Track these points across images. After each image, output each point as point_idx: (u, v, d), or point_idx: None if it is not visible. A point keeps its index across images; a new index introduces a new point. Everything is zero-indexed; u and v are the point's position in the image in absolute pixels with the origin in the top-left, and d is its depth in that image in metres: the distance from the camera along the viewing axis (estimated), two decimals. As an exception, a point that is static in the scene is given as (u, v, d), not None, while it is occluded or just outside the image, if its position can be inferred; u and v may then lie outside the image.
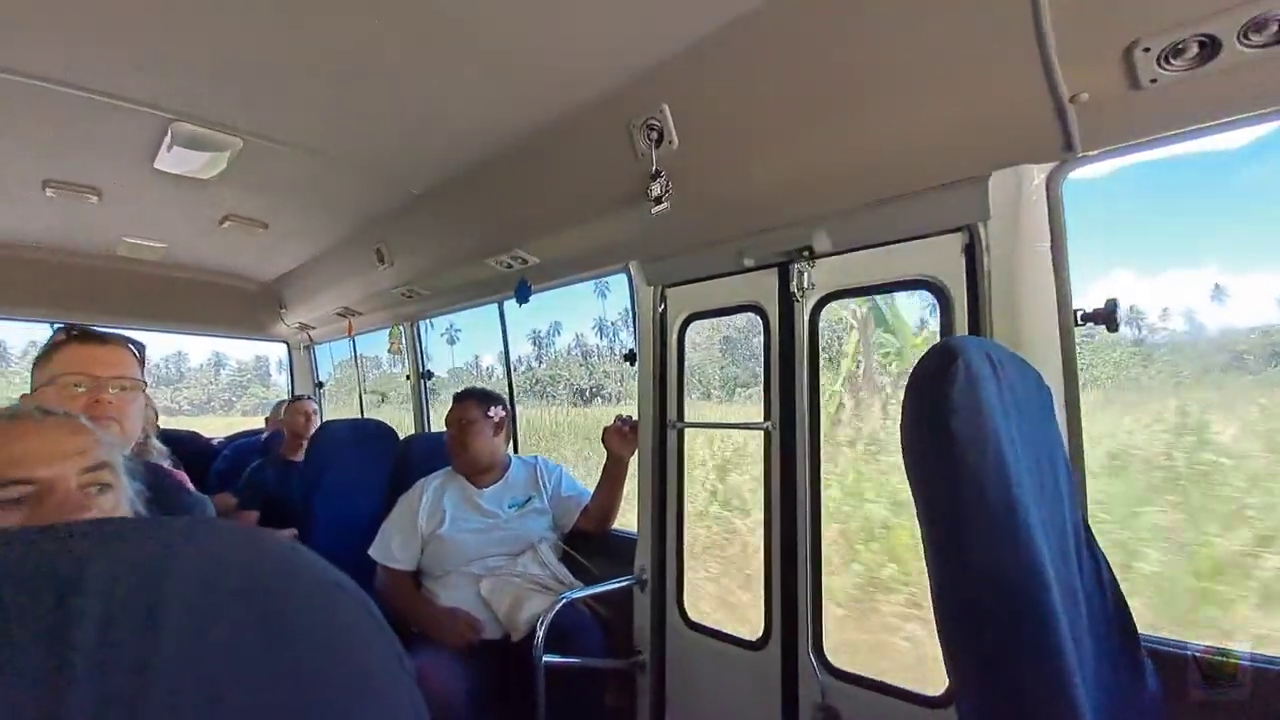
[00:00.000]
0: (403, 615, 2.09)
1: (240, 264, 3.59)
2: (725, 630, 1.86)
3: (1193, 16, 0.92)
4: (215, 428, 5.39)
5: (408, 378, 3.51)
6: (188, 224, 2.89)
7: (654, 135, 1.49)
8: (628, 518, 2.25)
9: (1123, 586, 1.10)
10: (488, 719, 1.84)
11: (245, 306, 4.05)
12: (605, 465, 2.22)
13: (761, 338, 1.79)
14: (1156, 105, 1.07)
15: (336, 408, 5.02)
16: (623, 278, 2.18)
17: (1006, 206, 1.28)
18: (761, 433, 1.76)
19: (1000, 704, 0.74)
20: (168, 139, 1.94)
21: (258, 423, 4.76)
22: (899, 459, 0.82)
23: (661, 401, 2.02)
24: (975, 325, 1.34)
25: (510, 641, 1.94)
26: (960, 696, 0.77)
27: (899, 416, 0.82)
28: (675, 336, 2.00)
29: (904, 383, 0.83)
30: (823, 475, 1.66)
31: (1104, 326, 1.25)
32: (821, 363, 1.70)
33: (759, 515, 1.79)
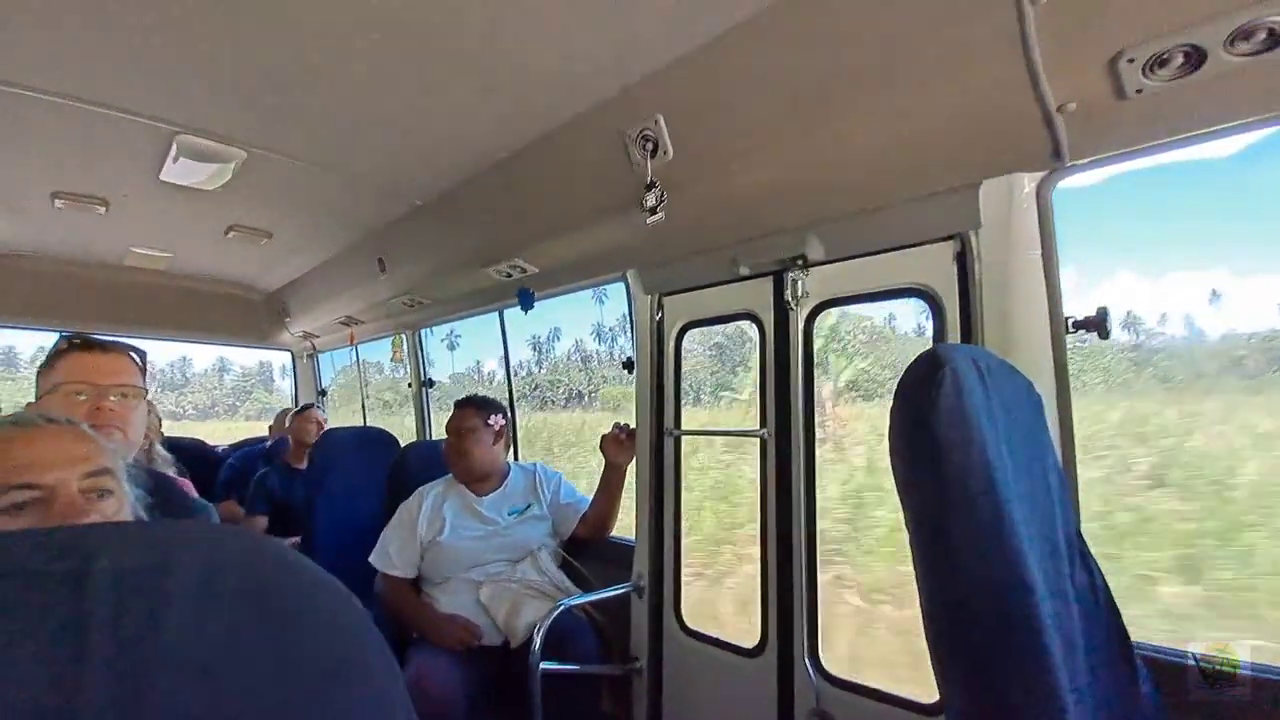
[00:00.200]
0: (402, 621, 2.10)
1: (245, 274, 3.63)
2: (722, 637, 1.86)
3: (1176, 27, 0.93)
4: (219, 433, 5.42)
5: (410, 385, 3.53)
6: (193, 234, 2.93)
7: (649, 146, 1.51)
8: (627, 519, 2.26)
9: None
10: (485, 725, 1.85)
11: (250, 316, 4.08)
12: (603, 473, 2.23)
13: (756, 345, 1.80)
14: (1143, 114, 1.08)
15: (338, 415, 5.04)
16: (620, 286, 2.20)
17: (997, 215, 1.29)
18: (757, 440, 1.77)
19: (987, 708, 0.75)
20: (173, 151, 1.97)
21: (260, 427, 4.79)
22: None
23: (659, 409, 2.03)
24: (967, 333, 1.35)
25: (509, 647, 1.95)
26: (948, 702, 0.77)
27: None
28: (672, 344, 2.02)
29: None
30: (818, 482, 1.66)
31: (1095, 334, 1.26)
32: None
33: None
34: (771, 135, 1.40)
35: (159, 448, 2.04)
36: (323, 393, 4.57)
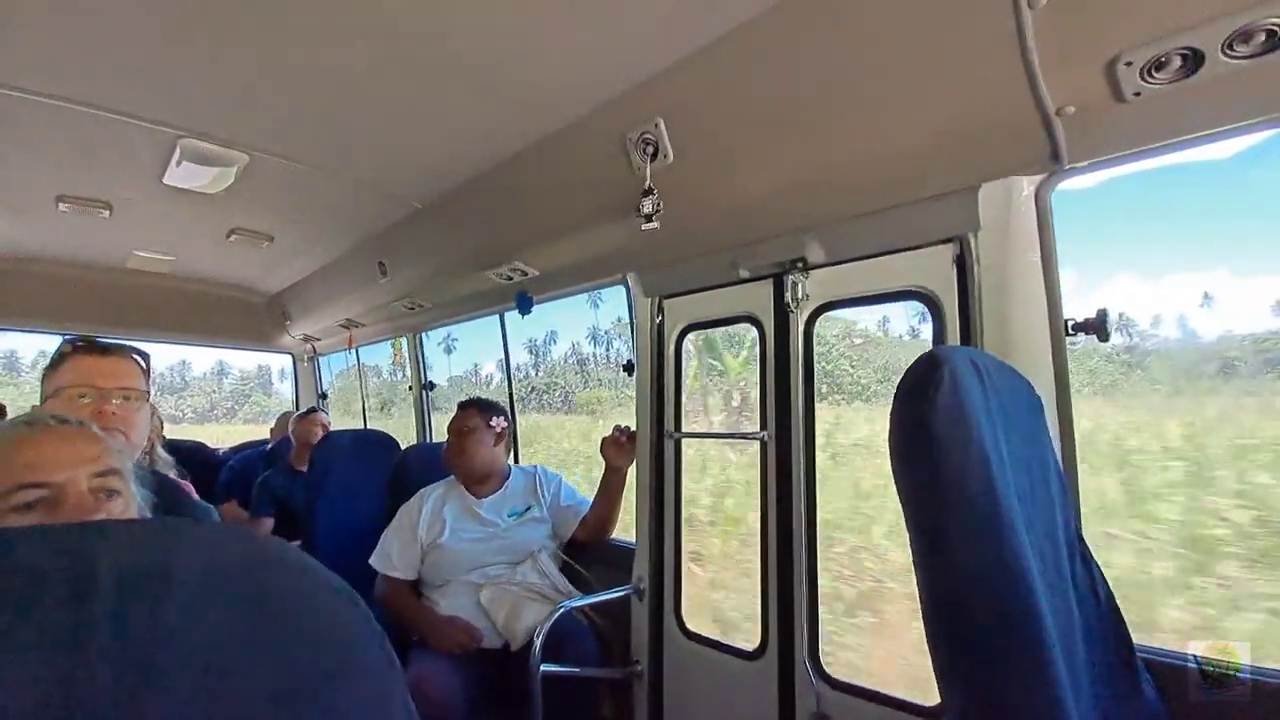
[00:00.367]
0: (402, 623, 2.10)
1: (246, 277, 3.64)
2: (722, 640, 1.86)
3: (1174, 29, 0.93)
4: (218, 436, 5.43)
5: (410, 389, 3.54)
6: (195, 238, 2.94)
7: (649, 150, 1.51)
8: (627, 519, 2.26)
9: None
10: (485, 728, 1.84)
11: (251, 318, 4.09)
12: (603, 476, 2.23)
13: (757, 348, 1.80)
14: (1142, 117, 1.08)
15: (337, 418, 5.06)
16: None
17: (996, 218, 1.29)
18: (757, 443, 1.77)
19: (987, 710, 0.75)
20: (176, 155, 1.98)
21: (258, 431, 4.80)
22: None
23: (659, 411, 2.03)
24: (966, 335, 1.35)
25: (509, 650, 1.95)
26: (947, 704, 0.77)
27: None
28: (673, 347, 2.02)
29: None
30: (818, 484, 1.66)
31: (1095, 336, 1.26)
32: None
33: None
34: (771, 138, 1.40)
35: (160, 450, 2.04)
36: (323, 395, 4.58)
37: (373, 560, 2.19)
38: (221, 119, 1.81)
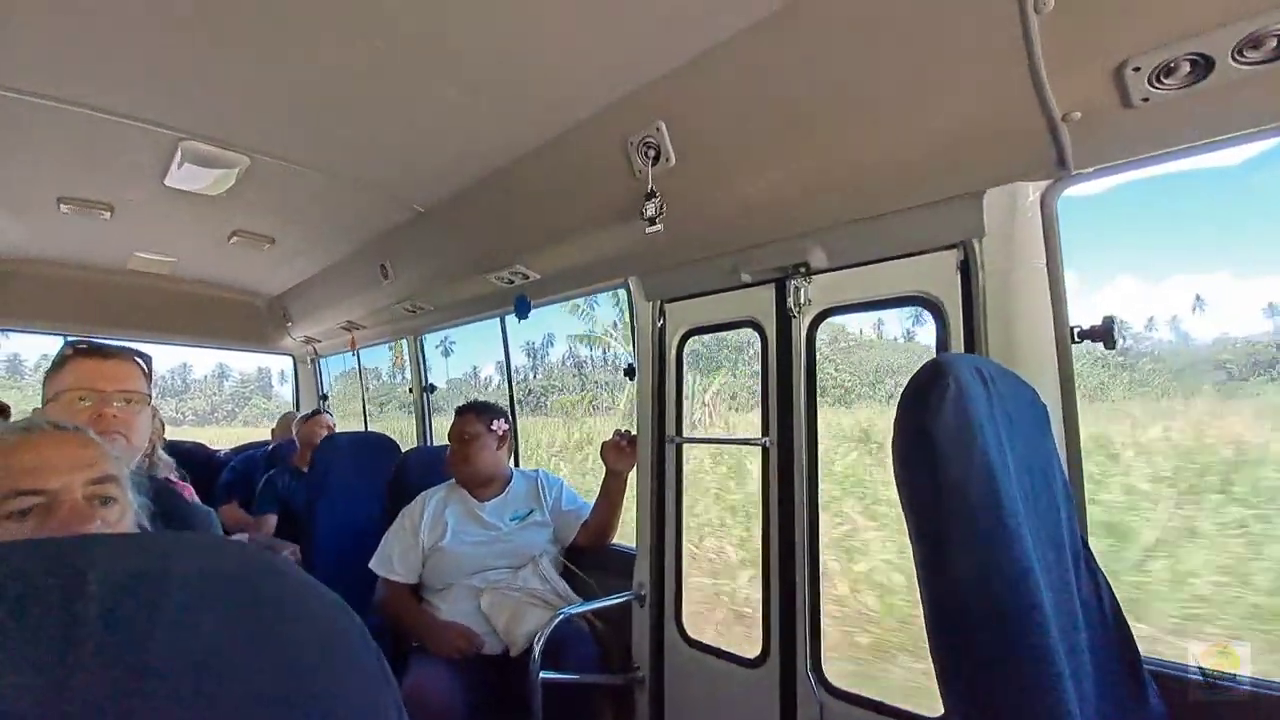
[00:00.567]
0: (402, 628, 2.09)
1: (248, 279, 3.64)
2: (723, 647, 1.85)
3: (1184, 35, 0.92)
4: (218, 438, 5.44)
5: (410, 391, 3.53)
6: (197, 239, 2.94)
7: (651, 153, 1.51)
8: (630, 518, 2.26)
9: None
10: (485, 735, 1.83)
11: (252, 320, 4.10)
12: (604, 481, 2.22)
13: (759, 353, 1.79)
14: (1149, 123, 1.08)
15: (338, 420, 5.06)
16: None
17: (1001, 223, 1.28)
18: (759, 449, 1.76)
19: (989, 718, 0.74)
20: (178, 156, 1.97)
21: (258, 433, 4.79)
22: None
23: (660, 416, 2.02)
24: (970, 342, 1.34)
25: (509, 656, 1.93)
26: (950, 713, 0.76)
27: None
28: (674, 351, 2.01)
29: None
30: (820, 490, 1.65)
31: (1101, 343, 1.25)
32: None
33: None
34: (774, 142, 1.40)
35: (161, 452, 2.04)
36: (324, 397, 4.57)
37: (373, 564, 2.18)
38: (223, 121, 1.81)
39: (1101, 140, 1.13)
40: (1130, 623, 1.08)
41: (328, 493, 2.78)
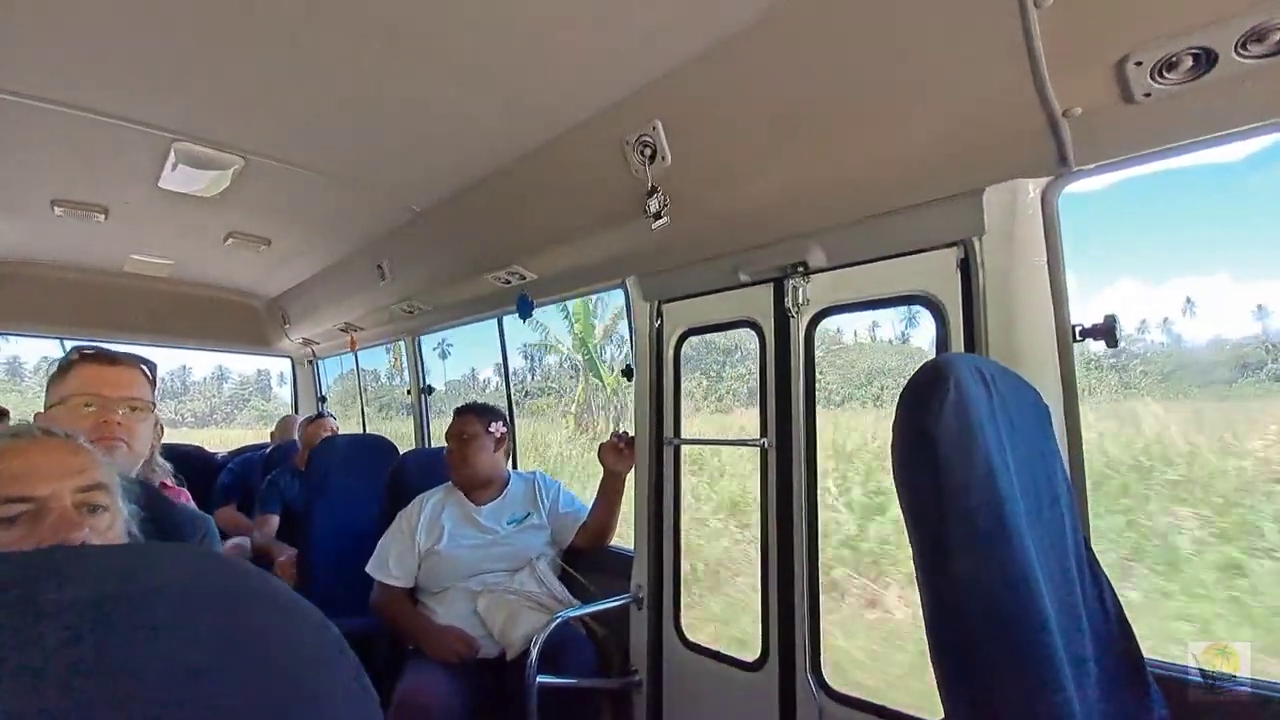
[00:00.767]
0: (398, 631, 2.08)
1: (245, 280, 3.63)
2: (722, 650, 1.83)
3: (1186, 29, 0.91)
4: (216, 440, 5.43)
5: (408, 392, 3.52)
6: (192, 241, 2.93)
7: (647, 152, 1.49)
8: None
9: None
10: (482, 739, 1.82)
11: (250, 322, 4.09)
12: (602, 482, 2.21)
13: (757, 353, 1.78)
14: (1151, 119, 1.06)
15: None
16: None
17: (1001, 221, 1.26)
18: (758, 449, 1.74)
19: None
20: (171, 158, 1.96)
21: (256, 435, 4.78)
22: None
23: (658, 417, 2.01)
24: (970, 341, 1.32)
25: (505, 659, 1.92)
26: (950, 717, 0.75)
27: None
28: (672, 351, 2.00)
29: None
30: (819, 491, 1.64)
31: (1103, 342, 1.23)
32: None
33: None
34: (771, 141, 1.38)
35: (158, 457, 2.02)
36: (323, 399, 4.56)
37: (369, 568, 2.16)
38: (216, 122, 1.80)
39: (1103, 136, 1.11)
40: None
41: (326, 494, 2.77)
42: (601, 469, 2.21)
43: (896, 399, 0.80)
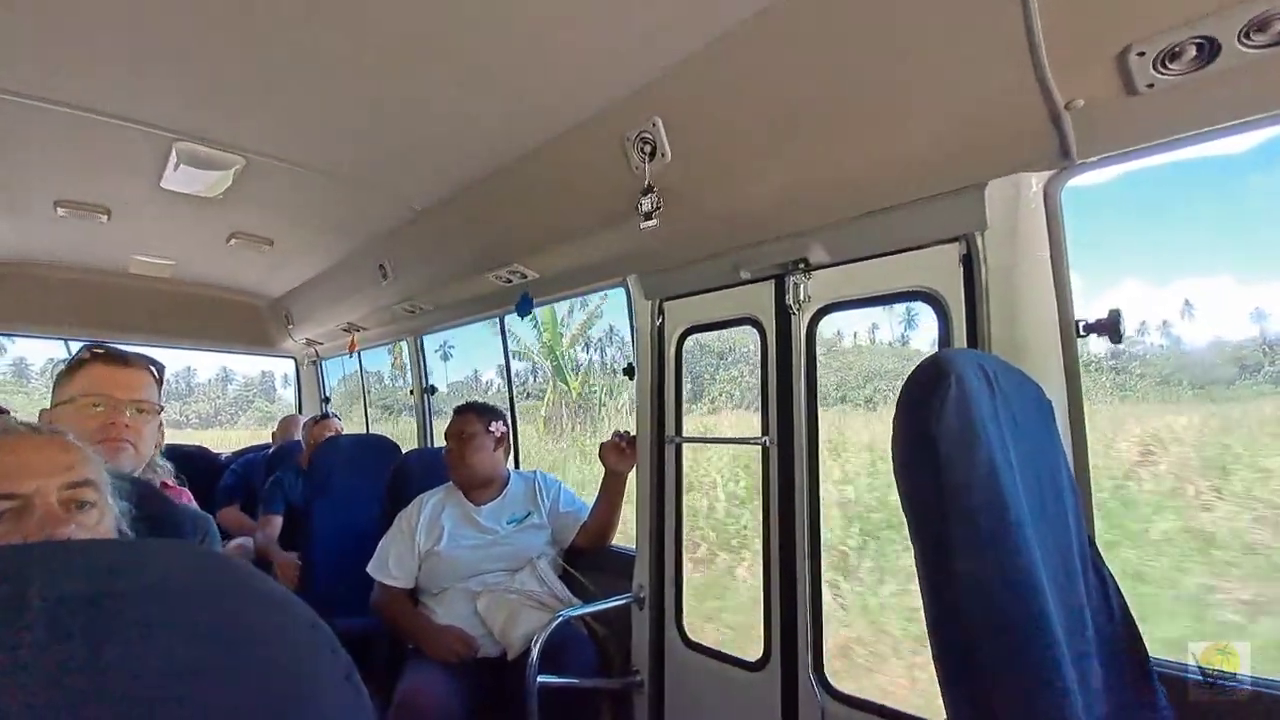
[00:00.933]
0: (398, 632, 2.08)
1: (248, 280, 3.63)
2: (724, 650, 1.82)
3: (1189, 19, 0.90)
4: (220, 441, 5.45)
5: (411, 393, 3.52)
6: (195, 241, 2.94)
7: (647, 149, 1.48)
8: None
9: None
10: (482, 739, 1.81)
11: (254, 322, 4.09)
12: (603, 481, 2.20)
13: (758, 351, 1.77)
14: (1155, 110, 1.05)
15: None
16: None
17: (1004, 216, 1.25)
18: (759, 448, 1.73)
19: None
20: (173, 158, 1.96)
21: (261, 436, 4.79)
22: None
23: (660, 416, 2.00)
24: (973, 337, 1.31)
25: (506, 659, 1.92)
26: (953, 717, 0.74)
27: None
28: (673, 350, 1.99)
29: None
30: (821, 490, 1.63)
31: (1107, 337, 1.22)
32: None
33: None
34: (772, 137, 1.37)
35: (158, 458, 2.02)
36: (327, 399, 4.57)
37: (370, 568, 2.16)
38: (217, 122, 1.80)
39: (1105, 128, 1.10)
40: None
41: (328, 494, 2.78)
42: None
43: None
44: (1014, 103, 1.09)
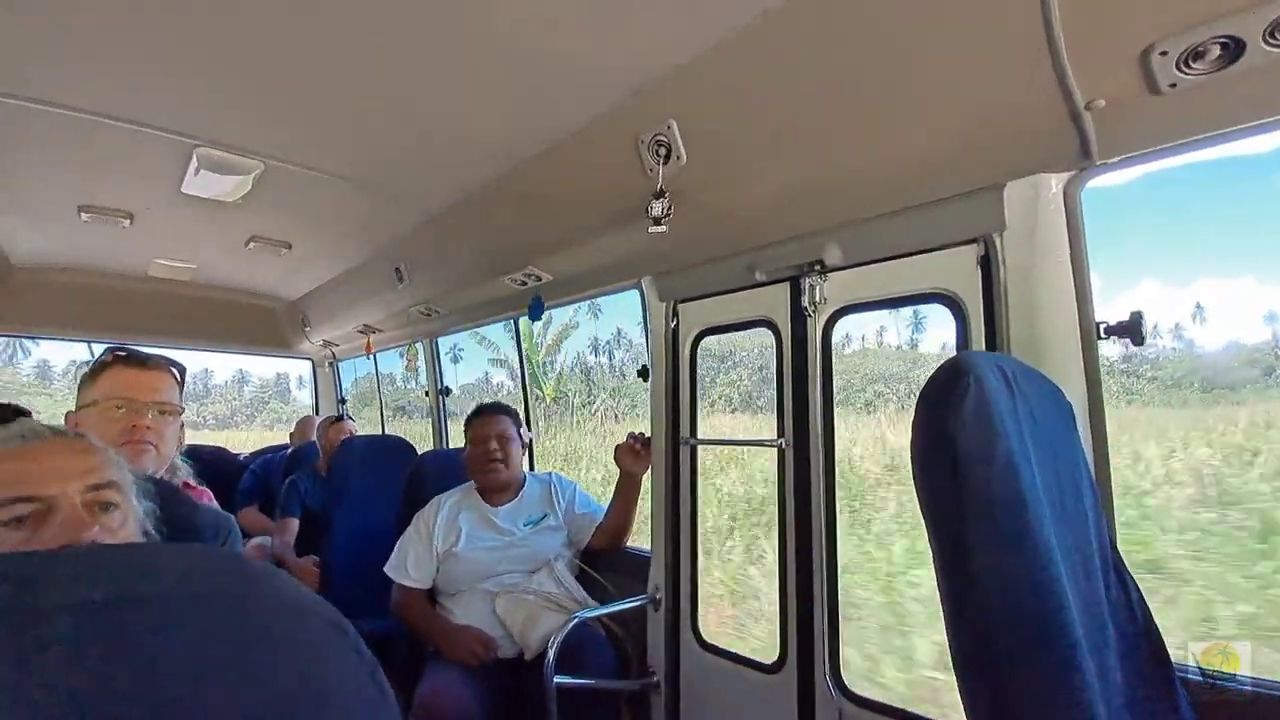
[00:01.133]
0: (417, 632, 2.09)
1: (266, 284, 3.67)
2: (740, 652, 1.82)
3: (1213, 17, 0.89)
4: (236, 442, 5.52)
5: (426, 394, 3.55)
6: (215, 245, 2.97)
7: (662, 151, 1.49)
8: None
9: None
10: (500, 739, 1.82)
11: (271, 325, 4.14)
12: (618, 482, 2.20)
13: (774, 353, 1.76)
14: (1177, 110, 1.04)
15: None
16: (607, 301, 2.19)
17: (1023, 217, 1.24)
18: (775, 450, 1.73)
19: None
20: (194, 164, 1.99)
21: (274, 436, 4.83)
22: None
23: (674, 417, 2.00)
24: (992, 339, 1.30)
25: (524, 660, 1.93)
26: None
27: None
28: (688, 352, 1.99)
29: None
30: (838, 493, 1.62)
31: (1129, 340, 1.21)
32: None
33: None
34: (787, 138, 1.37)
35: (179, 459, 2.05)
36: (343, 400, 4.61)
37: (388, 568, 2.18)
38: (236, 127, 1.82)
39: (1127, 129, 1.09)
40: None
41: (346, 496, 2.80)
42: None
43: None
44: (1033, 103, 1.08)
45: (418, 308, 2.99)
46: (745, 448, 4.61)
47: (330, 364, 4.55)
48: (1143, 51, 0.95)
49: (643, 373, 2.13)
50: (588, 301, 2.62)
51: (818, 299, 1.60)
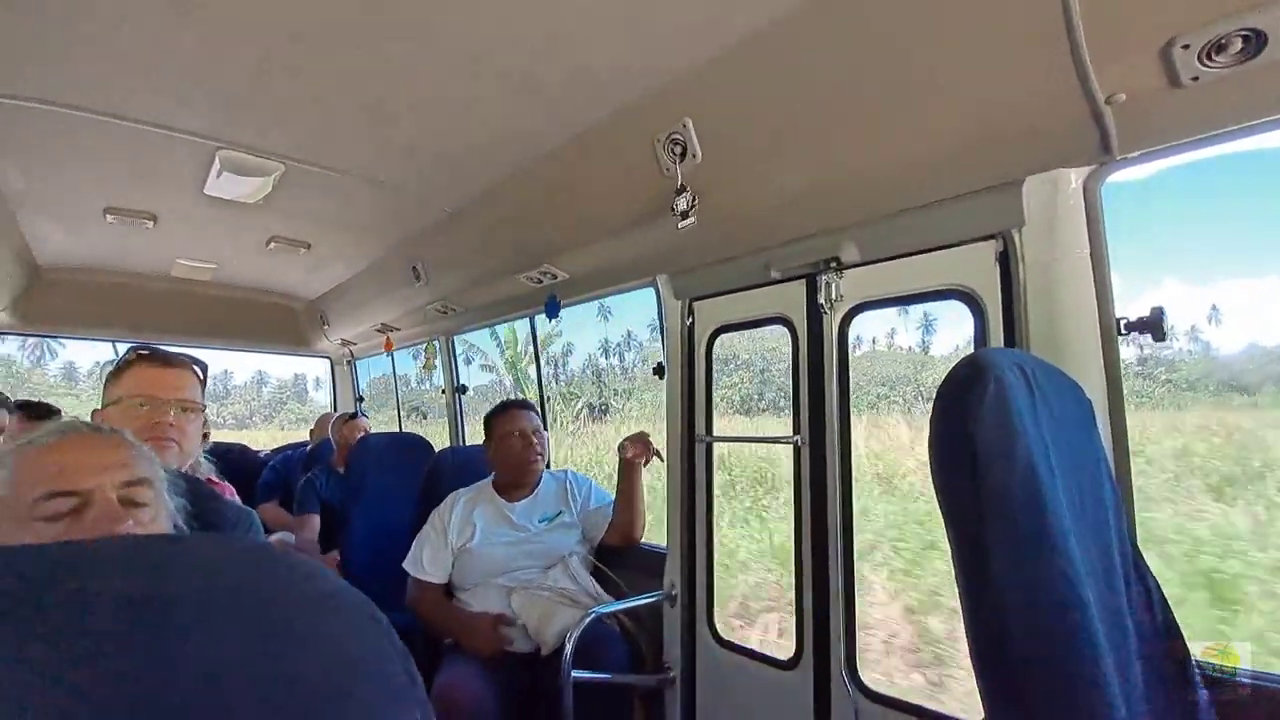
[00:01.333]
0: (434, 626, 2.12)
1: (285, 283, 3.72)
2: (755, 648, 1.83)
3: (1235, 10, 0.88)
4: (255, 441, 5.60)
5: (442, 392, 3.58)
6: (236, 245, 3.02)
7: (677, 149, 1.49)
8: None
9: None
10: (517, 734, 1.84)
11: (291, 324, 4.20)
12: (618, 479, 2.21)
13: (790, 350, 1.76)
14: (1199, 104, 1.02)
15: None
16: (614, 302, 2.20)
17: (1042, 212, 1.23)
18: (791, 447, 1.73)
19: None
20: (216, 166, 2.03)
21: (292, 435, 4.90)
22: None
23: (690, 415, 2.01)
24: (1010, 336, 1.29)
25: (539, 655, 1.94)
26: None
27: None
28: (703, 349, 1.99)
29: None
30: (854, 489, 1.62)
31: (1150, 336, 1.20)
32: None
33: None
34: (803, 135, 1.37)
35: (201, 455, 2.09)
36: (361, 399, 4.66)
37: (405, 564, 2.21)
38: (258, 130, 1.85)
39: (1148, 123, 1.08)
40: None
41: (364, 492, 2.83)
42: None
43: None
44: (1053, 97, 1.07)
45: (434, 305, 3.02)
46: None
47: (348, 362, 4.60)
48: (1164, 45, 0.93)
49: (658, 370, 2.13)
50: (596, 303, 2.64)
51: (834, 296, 1.60)
